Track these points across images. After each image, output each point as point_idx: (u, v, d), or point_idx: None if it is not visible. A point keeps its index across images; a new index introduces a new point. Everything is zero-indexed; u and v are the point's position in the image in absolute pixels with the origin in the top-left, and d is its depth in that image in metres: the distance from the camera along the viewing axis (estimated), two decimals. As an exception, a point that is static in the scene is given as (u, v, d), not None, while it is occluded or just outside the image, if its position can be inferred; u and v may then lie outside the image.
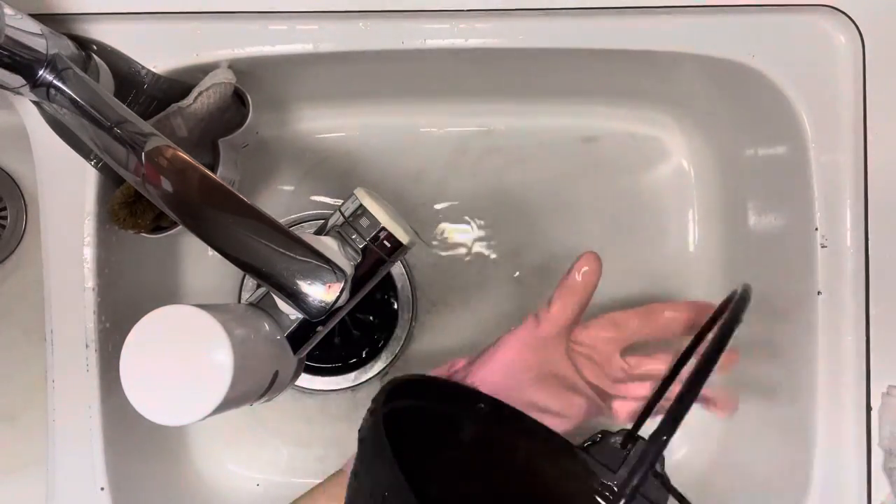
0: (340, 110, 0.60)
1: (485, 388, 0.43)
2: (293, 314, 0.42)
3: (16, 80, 0.38)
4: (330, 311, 0.37)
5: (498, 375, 0.45)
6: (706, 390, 0.39)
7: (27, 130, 0.46)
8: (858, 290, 0.47)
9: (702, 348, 0.38)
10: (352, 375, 0.61)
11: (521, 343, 0.46)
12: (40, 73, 0.38)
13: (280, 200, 0.61)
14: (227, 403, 0.35)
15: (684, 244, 0.62)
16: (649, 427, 0.34)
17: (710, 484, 0.58)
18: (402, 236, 0.42)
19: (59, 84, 0.38)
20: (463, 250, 0.62)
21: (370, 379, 0.61)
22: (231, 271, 0.61)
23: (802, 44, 0.47)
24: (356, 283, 0.42)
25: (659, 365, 0.48)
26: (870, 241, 0.47)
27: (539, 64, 0.53)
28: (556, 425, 0.43)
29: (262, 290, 0.43)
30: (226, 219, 0.36)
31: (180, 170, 0.37)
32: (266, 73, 0.51)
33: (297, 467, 0.61)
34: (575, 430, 0.46)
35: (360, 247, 0.42)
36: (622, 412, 0.49)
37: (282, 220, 0.57)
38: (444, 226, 0.61)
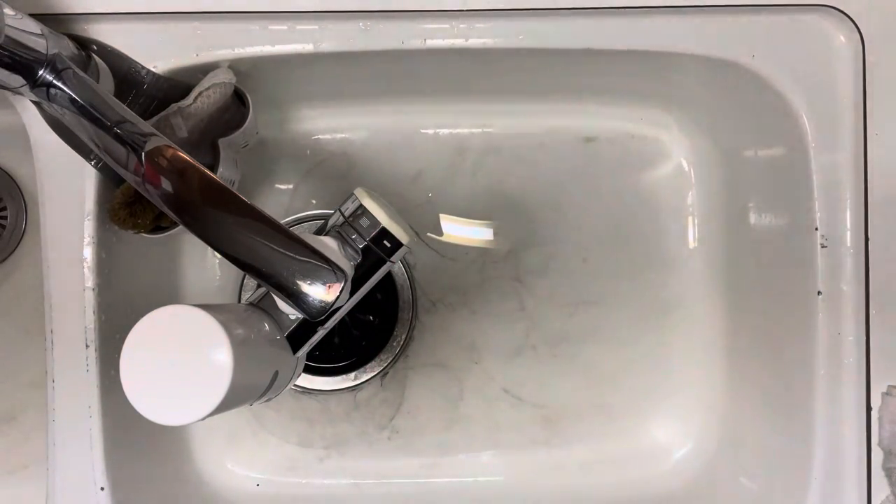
0: (340, 110, 0.60)
1: None
2: (293, 314, 0.42)
3: (16, 80, 0.38)
4: (330, 311, 0.37)
5: None
6: None
7: (27, 130, 0.46)
8: (858, 290, 0.47)
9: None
10: (352, 375, 0.61)
11: None
12: (40, 73, 0.38)
13: (280, 200, 0.61)
14: (227, 403, 0.35)
15: (684, 244, 0.62)
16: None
17: (709, 483, 0.58)
18: (402, 236, 0.42)
19: (59, 84, 0.38)
20: (463, 250, 0.62)
21: (370, 379, 0.61)
22: (231, 271, 0.61)
23: (802, 44, 0.47)
24: (356, 283, 0.42)
25: None
26: (870, 241, 0.47)
27: (539, 64, 0.53)
28: None
29: (262, 290, 0.43)
30: (226, 219, 0.36)
31: (180, 170, 0.37)
32: (266, 73, 0.51)
33: (297, 467, 0.61)
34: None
35: (360, 247, 0.42)
36: None
37: (282, 220, 0.57)
38: (444, 226, 0.61)
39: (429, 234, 0.61)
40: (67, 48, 0.41)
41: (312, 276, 0.36)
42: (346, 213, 0.42)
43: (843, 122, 0.47)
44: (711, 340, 0.61)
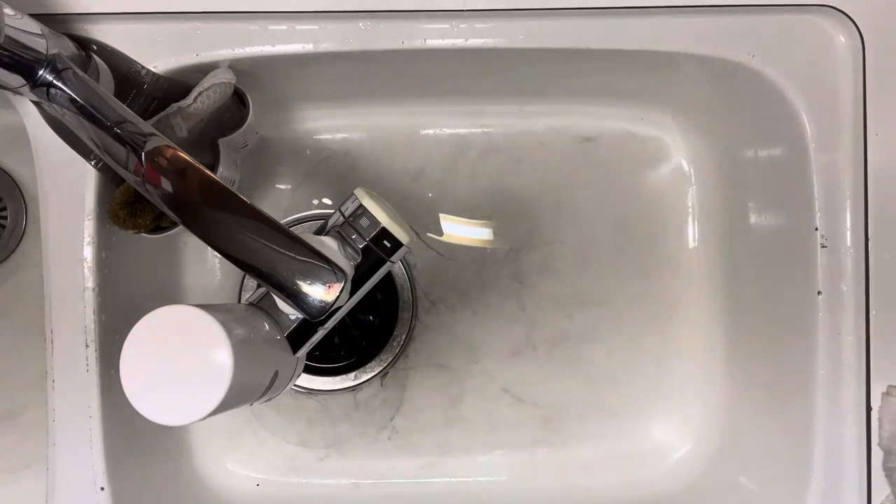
0: (340, 110, 0.60)
1: None
2: (293, 314, 0.42)
3: (16, 80, 0.38)
4: (330, 311, 0.37)
5: None
6: None
7: (27, 130, 0.46)
8: (858, 290, 0.47)
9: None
10: (352, 375, 0.61)
11: None
12: (40, 73, 0.38)
13: (280, 200, 0.61)
14: (227, 403, 0.35)
15: (684, 244, 0.62)
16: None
17: (710, 483, 0.58)
18: (402, 236, 0.42)
19: (59, 84, 0.38)
20: (463, 250, 0.62)
21: (370, 379, 0.61)
22: (231, 271, 0.61)
23: (802, 44, 0.47)
24: (356, 283, 0.42)
25: None
26: (870, 241, 0.47)
27: (539, 64, 0.53)
28: None
29: (262, 290, 0.43)
30: (226, 219, 0.36)
31: (180, 170, 0.37)
32: (266, 73, 0.51)
33: (297, 467, 0.61)
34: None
35: (360, 247, 0.42)
36: None
37: (282, 220, 0.57)
38: (444, 226, 0.61)
39: (429, 234, 0.61)
40: (67, 48, 0.41)
41: (312, 276, 0.36)
42: (346, 213, 0.42)
43: (843, 122, 0.47)
44: (711, 340, 0.61)
